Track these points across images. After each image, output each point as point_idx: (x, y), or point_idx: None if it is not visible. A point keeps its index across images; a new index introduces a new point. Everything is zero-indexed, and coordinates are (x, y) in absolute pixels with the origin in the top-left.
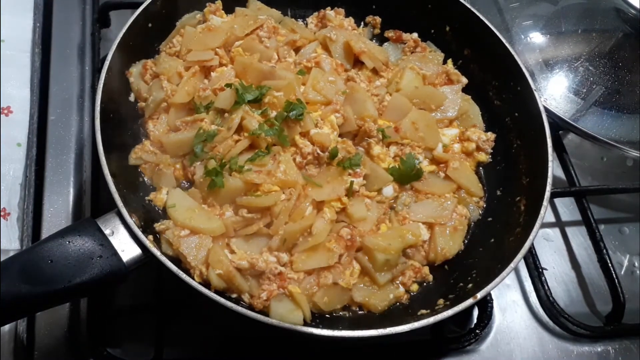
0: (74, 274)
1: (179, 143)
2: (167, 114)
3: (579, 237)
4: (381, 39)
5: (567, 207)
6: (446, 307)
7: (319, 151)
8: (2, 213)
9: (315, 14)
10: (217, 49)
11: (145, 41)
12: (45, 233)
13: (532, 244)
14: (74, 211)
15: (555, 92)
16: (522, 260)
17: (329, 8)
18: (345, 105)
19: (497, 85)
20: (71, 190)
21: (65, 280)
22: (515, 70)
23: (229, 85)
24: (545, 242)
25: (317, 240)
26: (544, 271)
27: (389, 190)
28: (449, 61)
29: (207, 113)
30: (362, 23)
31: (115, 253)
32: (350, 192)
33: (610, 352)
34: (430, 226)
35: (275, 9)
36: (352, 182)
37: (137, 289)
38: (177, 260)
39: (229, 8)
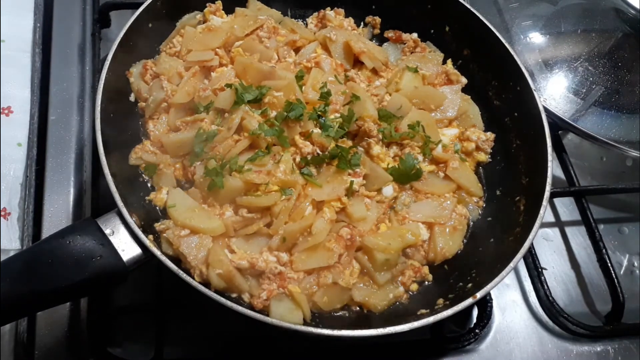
0: (74, 273)
1: (179, 143)
2: (167, 114)
3: (578, 237)
4: (381, 39)
5: (566, 207)
6: (446, 307)
7: (318, 151)
8: (2, 213)
9: (315, 14)
10: (217, 49)
11: (145, 41)
12: (45, 233)
13: (532, 244)
14: (74, 211)
15: (554, 92)
16: (522, 260)
17: (328, 8)
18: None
19: (497, 85)
20: (71, 190)
21: (65, 280)
22: (514, 70)
23: (229, 85)
24: (545, 241)
25: (317, 240)
26: (544, 271)
27: (389, 190)
28: (449, 61)
29: (207, 113)
30: (362, 23)
31: (115, 253)
32: (350, 192)
33: (610, 351)
34: (429, 226)
35: (275, 9)
36: (352, 182)
37: (137, 289)
38: (177, 260)
39: (229, 8)
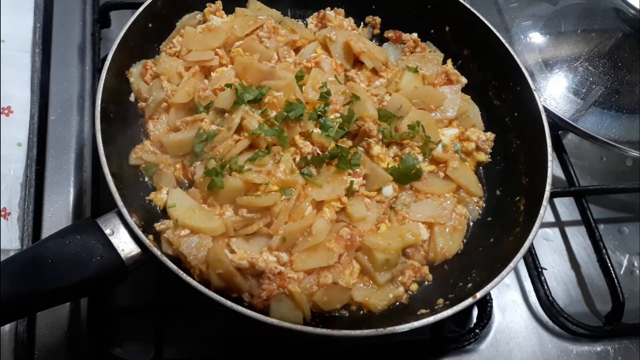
0: (74, 273)
1: (179, 143)
2: (167, 114)
3: (578, 237)
4: (381, 39)
5: (566, 207)
6: (446, 307)
7: (318, 151)
8: (2, 213)
9: (315, 14)
10: (217, 49)
11: (146, 41)
12: (45, 233)
13: (532, 244)
14: (74, 211)
15: (554, 92)
16: (522, 260)
17: (328, 8)
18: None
19: (497, 85)
20: (71, 190)
21: (65, 280)
22: (514, 70)
23: (229, 85)
24: (545, 241)
25: (317, 240)
26: (544, 271)
27: (389, 190)
28: (449, 61)
29: (207, 113)
30: (362, 23)
31: (115, 253)
32: (350, 192)
33: (610, 351)
34: (429, 226)
35: (275, 9)
36: (352, 182)
37: (137, 289)
38: (177, 259)
39: (229, 8)
